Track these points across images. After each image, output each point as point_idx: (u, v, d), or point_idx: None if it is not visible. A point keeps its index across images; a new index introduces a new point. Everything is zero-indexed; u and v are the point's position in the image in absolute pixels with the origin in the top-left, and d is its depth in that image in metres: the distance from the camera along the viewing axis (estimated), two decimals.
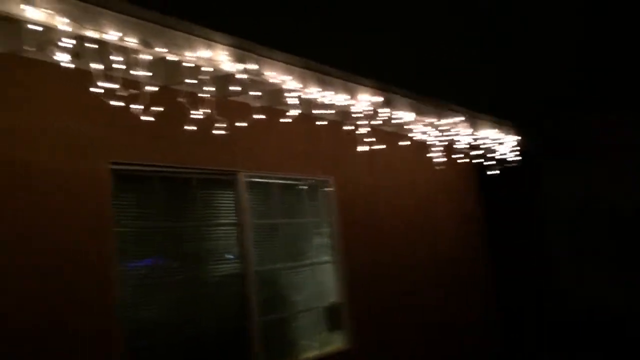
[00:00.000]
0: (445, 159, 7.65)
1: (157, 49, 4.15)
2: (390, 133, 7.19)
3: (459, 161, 8.10)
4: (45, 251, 3.94)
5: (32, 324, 3.79)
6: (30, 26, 3.47)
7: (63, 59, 3.70)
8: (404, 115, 6.70)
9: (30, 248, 3.87)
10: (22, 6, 3.35)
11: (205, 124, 4.74)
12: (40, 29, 3.54)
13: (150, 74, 4.16)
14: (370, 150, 6.20)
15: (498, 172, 8.35)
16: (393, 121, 6.66)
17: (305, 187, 6.48)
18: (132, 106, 4.11)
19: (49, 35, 3.60)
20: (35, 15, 3.45)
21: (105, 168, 4.44)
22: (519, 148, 8.75)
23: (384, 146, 6.60)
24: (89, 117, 4.32)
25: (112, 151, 4.50)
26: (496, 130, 8.40)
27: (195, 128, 4.68)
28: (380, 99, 6.30)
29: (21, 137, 3.94)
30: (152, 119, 4.24)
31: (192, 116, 4.58)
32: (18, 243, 3.80)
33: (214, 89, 4.63)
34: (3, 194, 3.78)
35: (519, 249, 9.34)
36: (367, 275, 6.71)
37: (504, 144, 8.59)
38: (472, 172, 9.07)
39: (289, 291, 6.03)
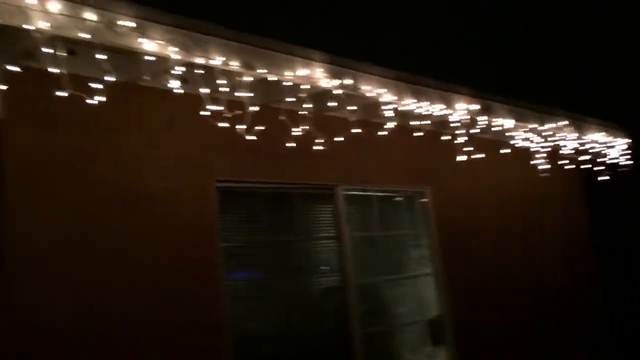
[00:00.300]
0: (549, 166, 7.28)
1: (259, 70, 4.31)
2: (490, 141, 6.97)
3: (565, 167, 7.68)
4: (155, 268, 4.17)
5: (141, 339, 3.99)
6: (146, 57, 3.74)
7: (174, 85, 3.95)
8: (504, 122, 6.48)
9: (141, 265, 4.11)
10: (140, 39, 3.62)
11: (305, 140, 4.86)
12: (154, 58, 3.80)
13: (252, 94, 4.34)
14: (469, 159, 6.05)
15: (608, 177, 7.82)
16: (492, 129, 6.46)
17: (401, 199, 6.43)
18: (236, 126, 4.30)
19: (162, 64, 3.86)
20: (149, 47, 3.72)
21: (211, 186, 4.66)
22: (630, 151, 8.16)
23: (483, 155, 6.41)
24: (196, 138, 4.57)
25: (217, 170, 4.72)
26: (603, 133, 7.89)
27: (294, 144, 4.81)
28: (478, 106, 6.15)
29: (136, 159, 4.23)
30: (254, 137, 4.40)
31: (292, 133, 4.71)
32: (130, 260, 4.05)
33: (312, 105, 4.74)
34: (119, 213, 4.07)
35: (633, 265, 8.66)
36: (469, 288, 6.51)
37: (614, 148, 8.04)
38: (579, 178, 8.56)
39: (390, 304, 5.98)
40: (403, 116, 5.62)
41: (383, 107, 5.32)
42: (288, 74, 4.52)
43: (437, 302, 6.28)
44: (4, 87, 3.42)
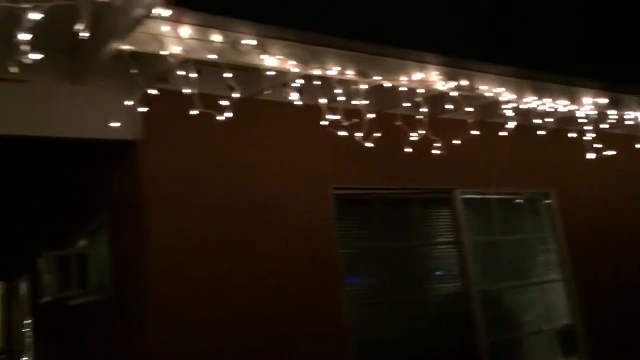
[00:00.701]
0: None
1: (374, 77, 4.33)
2: (622, 135, 6.44)
3: None
4: (278, 275, 4.29)
5: (270, 343, 4.12)
6: (267, 72, 3.90)
7: (293, 97, 4.08)
8: (638, 115, 5.97)
9: (263, 272, 4.24)
10: (262, 56, 3.78)
11: (421, 145, 4.79)
12: (274, 73, 3.95)
13: (368, 101, 4.36)
14: (599, 156, 5.64)
15: None
16: (625, 122, 5.97)
17: (522, 201, 6.13)
18: (353, 134, 4.34)
19: (282, 78, 4.01)
20: (270, 62, 3.87)
21: (328, 193, 4.74)
22: None
23: (614, 152, 5.94)
24: (313, 147, 4.68)
25: (334, 177, 4.79)
26: None
27: (411, 149, 4.77)
28: (606, 100, 5.71)
29: (258, 169, 4.41)
30: (371, 144, 4.41)
31: (408, 138, 4.67)
32: (252, 266, 4.19)
33: (427, 109, 4.67)
34: (244, 221, 4.25)
35: None
36: (604, 295, 6.05)
37: None
38: None
39: (516, 311, 5.72)
40: (524, 114, 5.37)
41: (502, 107, 5.11)
42: (403, 79, 4.49)
43: (568, 310, 5.90)
44: (144, 109, 3.72)
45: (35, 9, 2.29)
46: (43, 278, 5.83)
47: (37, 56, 2.54)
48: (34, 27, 2.43)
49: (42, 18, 2.41)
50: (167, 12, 3.01)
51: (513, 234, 5.95)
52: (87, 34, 2.54)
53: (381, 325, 4.95)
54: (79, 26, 2.57)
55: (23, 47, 2.39)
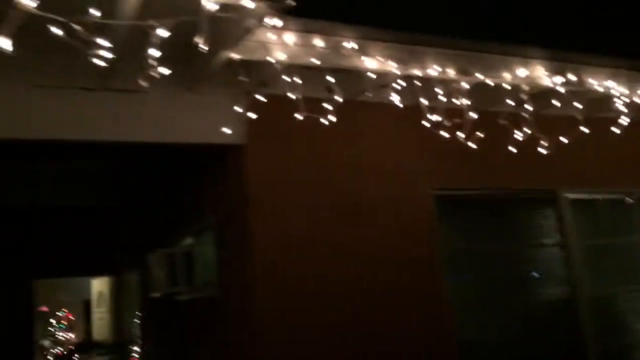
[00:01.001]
0: None
1: (476, 75, 4.23)
2: None
3: None
4: (381, 275, 4.30)
5: (376, 343, 4.16)
6: (367, 74, 3.92)
7: (393, 98, 4.07)
8: None
9: (367, 272, 4.27)
10: (363, 58, 3.81)
11: (524, 143, 4.63)
12: (374, 75, 3.97)
13: (470, 101, 4.27)
14: None
15: None
16: None
17: (633, 201, 5.74)
18: (454, 134, 4.27)
19: (382, 79, 4.02)
20: (370, 64, 3.89)
21: (428, 194, 4.69)
22: None
23: None
24: (413, 148, 4.65)
25: (433, 178, 4.73)
26: None
27: (514, 149, 4.61)
28: None
29: (358, 169, 4.44)
30: (473, 145, 4.31)
31: (512, 137, 4.53)
32: (357, 267, 4.24)
33: (532, 106, 4.50)
34: (346, 220, 4.30)
35: None
36: None
37: None
38: None
39: (629, 318, 5.37)
40: (637, 109, 5.03)
41: (614, 101, 4.82)
42: (506, 75, 4.35)
43: None
44: (253, 115, 3.86)
45: (162, 26, 2.44)
46: (153, 274, 6.22)
47: (166, 71, 2.72)
48: (157, 41, 2.60)
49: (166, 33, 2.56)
50: (278, 22, 3.11)
51: (625, 236, 5.59)
52: (207, 48, 2.67)
53: (484, 328, 4.84)
54: (198, 39, 2.71)
55: (151, 62, 2.56)
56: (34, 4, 2.17)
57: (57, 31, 2.29)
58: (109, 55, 2.42)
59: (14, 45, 2.16)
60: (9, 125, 3.53)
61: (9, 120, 3.51)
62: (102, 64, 2.41)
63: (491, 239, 5.03)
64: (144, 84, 2.72)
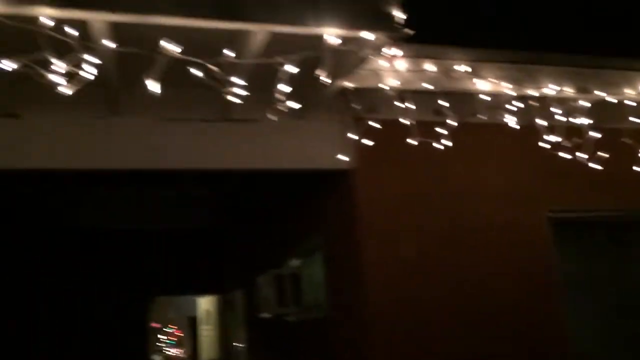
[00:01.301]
0: None
1: (595, 92, 4.04)
2: None
3: None
4: (497, 299, 4.17)
5: None
6: (480, 96, 3.87)
7: (508, 119, 3.97)
8: None
9: (484, 296, 4.15)
10: (474, 80, 3.77)
11: None
12: (487, 97, 3.90)
13: (590, 120, 4.07)
14: None
15: None
16: None
17: None
18: (576, 154, 4.08)
19: (495, 100, 3.94)
20: (483, 86, 3.83)
21: (542, 216, 4.50)
22: None
23: None
24: (528, 169, 4.49)
25: (548, 200, 4.53)
26: None
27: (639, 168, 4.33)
28: None
29: (470, 192, 4.35)
30: (597, 166, 4.09)
31: (637, 155, 4.26)
32: (468, 291, 4.14)
33: None
34: (459, 244, 4.23)
35: None
36: None
37: None
38: None
39: None
40: None
41: None
42: (628, 91, 4.11)
43: None
44: (369, 142, 3.88)
45: (289, 61, 2.56)
46: (262, 294, 6.40)
47: (296, 105, 2.84)
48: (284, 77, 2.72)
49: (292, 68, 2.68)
50: (397, 52, 3.15)
51: None
52: (329, 80, 2.77)
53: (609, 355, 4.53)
54: (319, 71, 2.81)
55: (279, 96, 2.69)
56: (179, 49, 2.36)
57: (197, 72, 2.47)
58: (243, 92, 2.56)
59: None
60: (141, 157, 3.81)
61: (143, 151, 3.79)
62: (237, 100, 2.55)
63: (613, 263, 4.72)
64: (272, 117, 2.85)
